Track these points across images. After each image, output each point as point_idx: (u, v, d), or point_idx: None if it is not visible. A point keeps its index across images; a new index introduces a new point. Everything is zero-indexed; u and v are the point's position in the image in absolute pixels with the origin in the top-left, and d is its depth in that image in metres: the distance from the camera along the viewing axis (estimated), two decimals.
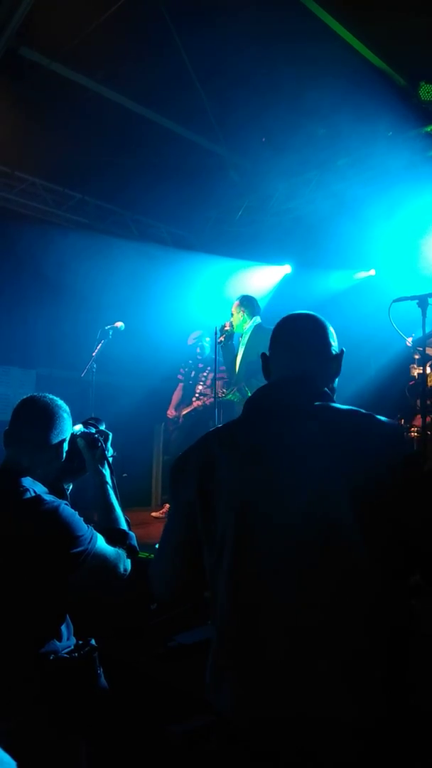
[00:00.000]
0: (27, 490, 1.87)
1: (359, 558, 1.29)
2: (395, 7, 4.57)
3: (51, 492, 1.97)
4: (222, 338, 5.21)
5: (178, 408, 6.11)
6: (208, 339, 6.17)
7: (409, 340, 4.07)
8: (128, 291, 7.04)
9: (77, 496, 2.18)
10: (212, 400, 5.82)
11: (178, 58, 5.10)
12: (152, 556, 3.98)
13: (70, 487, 2.19)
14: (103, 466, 2.15)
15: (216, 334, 5.16)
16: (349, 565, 1.29)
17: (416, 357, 4.52)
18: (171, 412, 6.16)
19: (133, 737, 2.41)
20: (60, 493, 2.04)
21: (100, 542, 1.91)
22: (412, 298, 3.52)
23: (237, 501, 1.39)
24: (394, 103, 5.62)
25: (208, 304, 6.69)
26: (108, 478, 2.14)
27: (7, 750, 0.99)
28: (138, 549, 2.07)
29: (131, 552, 2.03)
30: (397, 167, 6.18)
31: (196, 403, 5.94)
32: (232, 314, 5.33)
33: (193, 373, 6.14)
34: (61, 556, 1.82)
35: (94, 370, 5.57)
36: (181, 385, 6.23)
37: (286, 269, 7.45)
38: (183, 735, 2.36)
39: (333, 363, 1.59)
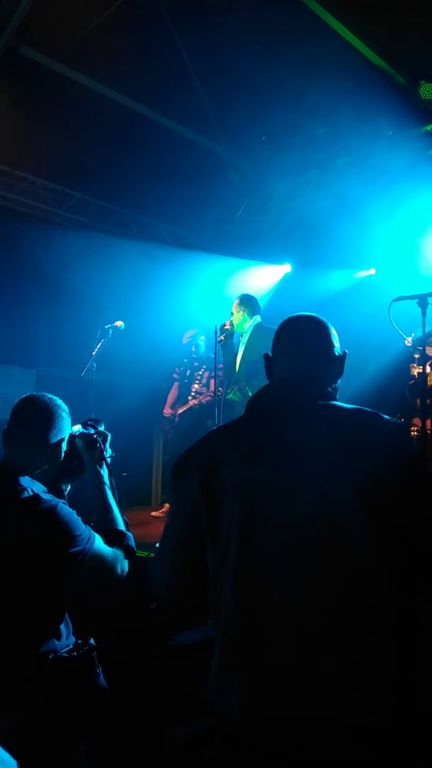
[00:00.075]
0: (25, 489, 1.86)
1: (364, 557, 1.29)
2: (395, 7, 4.56)
3: (49, 492, 1.97)
4: (222, 337, 5.20)
5: (173, 407, 6.10)
6: (203, 338, 6.16)
7: (409, 340, 4.07)
8: (128, 290, 7.04)
9: (75, 497, 2.17)
10: (209, 398, 5.82)
11: (178, 58, 5.10)
12: (151, 555, 3.97)
13: (68, 487, 2.19)
14: (101, 466, 2.15)
15: (216, 333, 5.16)
16: (354, 564, 1.29)
17: (416, 356, 4.52)
18: (167, 411, 6.15)
19: (133, 737, 2.41)
20: (58, 494, 2.04)
21: (98, 542, 1.91)
22: (412, 297, 3.51)
23: (242, 500, 1.39)
24: (395, 102, 5.62)
25: (208, 303, 6.68)
26: (106, 479, 2.14)
27: (7, 749, 0.99)
28: (136, 550, 2.06)
29: (129, 553, 2.02)
30: (398, 166, 6.17)
31: (192, 402, 5.93)
32: (232, 313, 5.32)
33: (189, 371, 6.13)
34: (59, 555, 1.81)
35: (94, 369, 5.57)
36: (176, 384, 6.22)
37: (286, 268, 7.45)
38: (183, 740, 2.35)
39: (336, 364, 1.60)
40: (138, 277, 7.22)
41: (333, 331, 1.63)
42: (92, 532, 1.91)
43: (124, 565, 1.99)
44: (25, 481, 1.90)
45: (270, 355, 1.68)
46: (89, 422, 2.22)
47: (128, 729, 2.35)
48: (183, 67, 5.21)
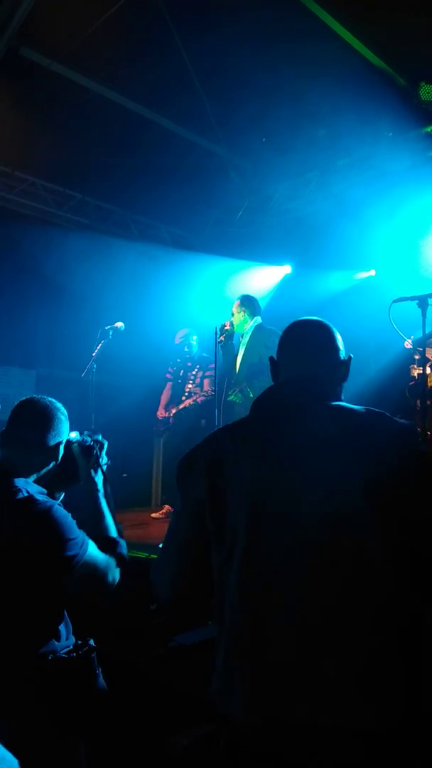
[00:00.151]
0: (20, 490, 1.86)
1: (370, 558, 1.29)
2: (395, 7, 4.57)
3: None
4: (222, 338, 5.20)
5: (167, 408, 6.09)
6: (195, 337, 6.14)
7: (409, 341, 4.07)
8: (128, 291, 7.04)
9: (69, 506, 2.17)
10: (202, 398, 5.81)
11: (179, 58, 5.10)
12: (152, 556, 3.98)
13: (62, 495, 2.18)
14: (96, 473, 2.15)
15: (216, 333, 5.15)
16: (360, 564, 1.29)
17: (416, 357, 4.52)
18: (161, 413, 6.11)
19: (133, 738, 2.41)
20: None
21: (92, 548, 1.90)
22: (412, 298, 3.52)
23: (248, 499, 1.38)
24: (395, 103, 5.62)
25: (208, 304, 6.68)
26: (100, 486, 2.14)
27: (7, 749, 0.99)
28: (128, 559, 2.05)
29: (121, 562, 2.01)
30: (398, 168, 6.17)
31: (187, 402, 5.92)
32: (232, 314, 5.32)
33: (182, 372, 6.09)
34: (53, 558, 1.81)
35: (94, 370, 5.57)
36: (169, 384, 6.19)
37: (286, 269, 7.45)
38: (185, 743, 2.35)
39: (341, 368, 1.61)
40: (138, 277, 7.22)
41: (338, 336, 1.64)
42: (86, 537, 1.90)
43: (115, 575, 1.97)
44: (20, 482, 1.90)
45: (275, 358, 1.67)
46: (86, 431, 2.23)
47: (128, 730, 2.35)
48: (183, 68, 5.21)
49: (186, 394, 5.95)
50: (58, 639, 1.88)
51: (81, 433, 2.20)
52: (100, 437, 2.23)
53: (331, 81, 5.19)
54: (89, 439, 2.18)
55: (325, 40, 4.86)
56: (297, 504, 1.34)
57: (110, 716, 1.99)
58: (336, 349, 1.61)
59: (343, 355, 1.62)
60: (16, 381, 7.12)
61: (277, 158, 6.47)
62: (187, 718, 2.50)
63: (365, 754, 1.23)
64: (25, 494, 1.86)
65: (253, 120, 5.94)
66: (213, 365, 5.83)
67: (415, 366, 4.61)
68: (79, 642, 1.94)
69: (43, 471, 2.03)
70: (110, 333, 5.62)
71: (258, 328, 5.30)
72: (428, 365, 4.17)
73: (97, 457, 2.16)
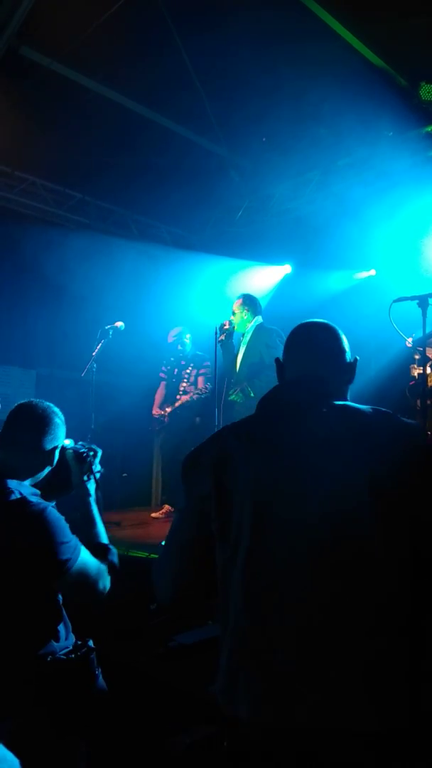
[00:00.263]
0: (12, 491, 1.85)
1: (375, 557, 1.29)
2: (395, 7, 4.57)
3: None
4: (222, 337, 5.20)
5: (162, 407, 6.08)
6: (188, 335, 6.13)
7: (409, 341, 4.07)
8: (128, 291, 7.04)
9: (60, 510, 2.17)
10: (197, 395, 5.80)
11: (179, 58, 5.10)
12: (152, 555, 3.98)
13: (53, 504, 2.18)
14: (89, 480, 2.15)
15: (216, 333, 5.15)
16: (365, 564, 1.29)
17: (416, 357, 4.52)
18: (156, 412, 6.11)
19: (133, 738, 2.41)
20: None
21: (84, 553, 1.89)
22: (413, 298, 3.52)
23: (253, 497, 1.38)
24: (395, 103, 5.62)
25: (208, 303, 6.68)
26: (93, 493, 2.15)
27: (8, 750, 0.99)
28: (118, 566, 2.04)
29: (112, 569, 2.00)
30: (398, 167, 6.17)
31: (182, 398, 5.91)
32: (233, 313, 5.32)
33: (176, 370, 6.08)
34: (45, 561, 1.80)
35: (94, 369, 5.57)
36: (163, 383, 6.18)
37: (286, 269, 7.45)
38: (186, 746, 2.35)
39: (347, 370, 1.61)
40: (138, 277, 7.22)
41: (344, 338, 1.64)
42: (79, 542, 1.89)
43: (106, 582, 1.96)
44: (13, 483, 1.89)
45: (281, 359, 1.68)
46: (81, 442, 2.24)
47: (129, 730, 2.35)
48: (183, 68, 5.21)
49: (181, 392, 5.94)
50: (57, 639, 1.87)
51: (75, 443, 2.20)
52: (94, 446, 2.24)
53: (332, 81, 5.19)
54: (84, 447, 2.19)
55: (325, 40, 4.86)
56: (302, 503, 1.34)
57: (110, 716, 1.98)
58: (342, 351, 1.62)
59: (349, 357, 1.63)
60: (16, 381, 7.12)
61: (277, 158, 6.48)
62: (187, 717, 2.51)
63: (369, 755, 1.23)
64: (18, 496, 1.85)
65: (253, 120, 5.94)
66: (207, 363, 5.84)
67: (416, 366, 4.61)
68: (79, 642, 1.94)
69: (38, 475, 2.02)
70: (110, 332, 5.62)
71: (259, 328, 5.30)
72: (428, 365, 4.17)
73: (91, 465, 2.16)
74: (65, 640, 1.91)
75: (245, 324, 5.30)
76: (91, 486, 2.16)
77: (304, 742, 1.25)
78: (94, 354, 5.55)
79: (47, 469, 2.05)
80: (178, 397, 5.95)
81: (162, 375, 6.21)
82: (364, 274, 7.01)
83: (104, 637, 2.13)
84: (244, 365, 5.24)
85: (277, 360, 1.69)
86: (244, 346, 5.29)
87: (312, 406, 1.48)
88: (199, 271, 7.17)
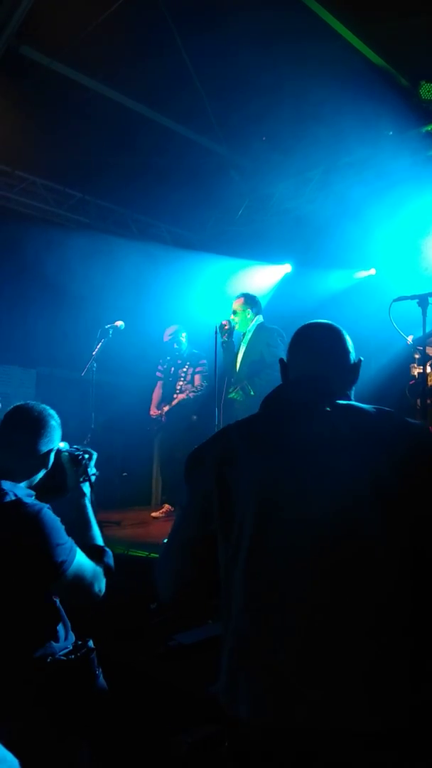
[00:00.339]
0: (6, 493, 1.84)
1: (378, 557, 1.28)
2: (395, 7, 4.57)
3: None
4: (225, 338, 5.21)
5: (159, 406, 6.07)
6: (184, 334, 6.12)
7: (410, 338, 4.06)
8: (129, 290, 7.03)
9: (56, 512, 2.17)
10: (193, 393, 5.80)
11: (179, 58, 5.10)
12: (152, 555, 3.98)
13: (48, 505, 2.18)
14: (84, 483, 2.15)
15: (216, 332, 5.14)
16: (368, 563, 1.28)
17: (416, 356, 4.52)
18: (153, 411, 6.10)
19: (135, 738, 2.41)
20: None
21: (80, 556, 1.88)
22: (413, 297, 3.52)
23: (256, 496, 1.38)
24: (395, 102, 5.62)
25: (208, 303, 6.68)
26: (88, 496, 2.14)
27: (9, 751, 0.99)
28: (113, 569, 2.03)
29: (107, 571, 1.99)
30: (398, 167, 6.17)
31: (179, 397, 5.91)
32: (235, 312, 5.31)
33: (173, 369, 6.07)
34: (41, 563, 1.79)
35: (94, 369, 5.57)
36: (160, 382, 6.17)
37: (286, 268, 7.45)
38: (189, 744, 2.35)
39: (351, 370, 1.61)
40: (138, 276, 7.22)
41: (348, 339, 1.64)
42: (74, 544, 1.88)
43: (101, 585, 1.95)
44: (7, 485, 1.88)
45: (285, 359, 1.68)
46: (75, 445, 2.23)
47: (130, 730, 2.35)
48: (183, 67, 5.21)
49: (177, 391, 5.94)
50: (57, 640, 1.87)
51: (71, 445, 2.20)
52: (89, 448, 2.23)
53: (332, 80, 5.19)
54: (79, 449, 2.19)
55: (326, 39, 4.87)
56: (305, 502, 1.34)
57: (111, 716, 1.98)
58: (346, 351, 1.62)
59: (353, 357, 1.63)
60: (16, 380, 7.12)
61: (277, 157, 6.48)
62: (188, 716, 2.51)
63: (369, 755, 1.23)
64: (13, 497, 1.84)
65: (254, 119, 5.95)
66: (204, 361, 5.84)
67: (416, 365, 4.61)
68: (79, 642, 1.93)
69: (33, 477, 2.01)
70: (110, 332, 5.62)
71: (260, 327, 5.31)
72: (429, 364, 4.17)
73: (86, 467, 2.16)
74: (64, 640, 1.90)
75: (247, 323, 5.30)
76: (87, 488, 2.15)
77: (304, 742, 1.25)
78: (94, 353, 5.55)
79: (42, 472, 2.04)
80: (174, 396, 5.94)
81: (159, 374, 6.20)
82: (364, 274, 7.01)
83: (104, 637, 2.13)
84: (245, 364, 5.24)
85: (281, 360, 1.69)
86: (245, 345, 5.29)
87: (316, 406, 1.47)
88: (199, 271, 7.17)
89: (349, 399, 1.54)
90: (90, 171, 6.69)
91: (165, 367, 6.15)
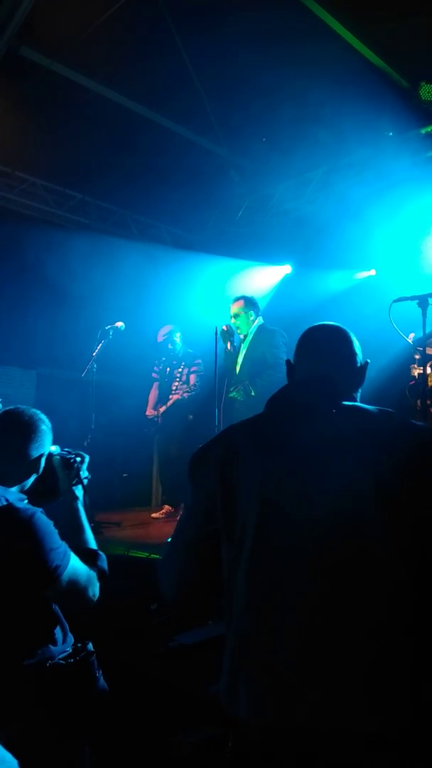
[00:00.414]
0: None
1: (380, 557, 1.28)
2: (395, 7, 4.57)
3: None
4: (229, 345, 5.24)
5: (156, 407, 6.06)
6: (178, 334, 6.12)
7: (411, 336, 4.06)
8: (129, 291, 7.03)
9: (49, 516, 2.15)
10: (187, 394, 5.79)
11: (179, 58, 5.11)
12: (152, 555, 3.98)
13: (41, 510, 2.17)
14: (76, 486, 2.13)
15: (216, 334, 5.14)
16: (369, 563, 1.29)
17: (416, 357, 4.52)
18: (149, 412, 6.10)
19: (136, 739, 2.41)
20: None
21: (74, 560, 1.87)
22: (413, 298, 3.52)
23: (259, 496, 1.38)
24: (395, 103, 5.62)
25: (208, 303, 6.69)
26: (81, 499, 2.13)
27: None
28: (107, 573, 2.02)
29: (101, 576, 1.98)
30: (398, 167, 6.17)
31: (173, 398, 5.90)
32: (236, 315, 5.32)
33: (168, 369, 6.07)
34: (34, 568, 1.77)
35: (94, 370, 5.57)
36: (156, 383, 6.17)
37: (286, 269, 7.45)
38: (192, 744, 2.35)
39: (357, 372, 1.62)
40: (138, 277, 7.22)
41: (355, 341, 1.65)
42: (68, 548, 1.87)
43: (95, 589, 1.93)
44: None
45: (291, 361, 1.68)
46: (67, 448, 2.22)
47: (131, 731, 2.35)
48: (183, 68, 5.21)
49: (173, 391, 5.94)
50: (54, 643, 1.86)
51: (62, 449, 2.19)
52: (81, 452, 2.22)
53: (332, 81, 5.19)
54: (71, 453, 2.17)
55: (325, 40, 4.86)
56: (307, 503, 1.34)
57: (113, 717, 1.98)
58: (352, 353, 1.62)
59: (360, 360, 1.63)
60: (16, 381, 7.12)
61: (277, 158, 6.47)
62: (188, 717, 2.51)
63: (369, 755, 1.23)
64: (4, 502, 1.82)
65: (254, 120, 5.95)
66: (199, 360, 5.84)
67: (416, 365, 4.61)
68: (79, 645, 1.92)
69: (25, 482, 2.00)
70: (110, 333, 5.62)
71: (261, 328, 5.32)
72: (429, 364, 4.17)
73: (78, 470, 2.14)
74: (62, 643, 1.89)
75: (249, 325, 5.32)
76: (79, 492, 2.14)
77: (304, 742, 1.25)
78: (94, 354, 5.55)
79: (33, 477, 2.03)
80: (170, 396, 5.94)
81: (154, 375, 6.20)
82: (364, 274, 7.01)
83: (105, 638, 2.13)
84: (246, 365, 5.25)
85: (287, 361, 1.69)
86: (246, 347, 5.30)
87: (320, 407, 1.48)
88: (199, 271, 7.18)
89: (355, 401, 1.54)
90: (90, 172, 6.68)
91: (161, 367, 6.15)
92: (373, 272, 6.95)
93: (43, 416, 2.06)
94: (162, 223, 8.16)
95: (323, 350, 1.63)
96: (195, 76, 5.32)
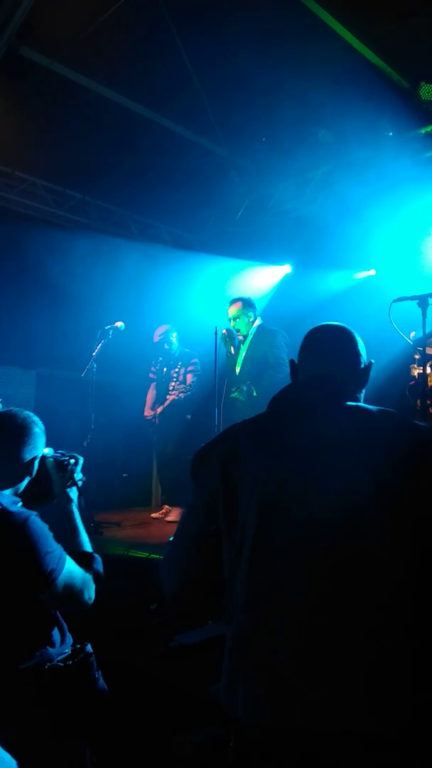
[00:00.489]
0: None
1: (381, 557, 1.28)
2: (395, 7, 4.57)
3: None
4: (232, 349, 5.23)
5: (153, 408, 6.05)
6: (174, 334, 6.11)
7: (413, 334, 4.05)
8: (129, 291, 7.03)
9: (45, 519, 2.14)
10: (183, 394, 5.78)
11: (179, 58, 5.10)
12: (152, 555, 3.98)
13: (35, 513, 2.16)
14: (71, 488, 2.11)
15: (216, 334, 5.14)
16: (371, 563, 1.28)
17: (416, 357, 4.52)
18: (147, 413, 6.09)
19: (136, 739, 2.41)
20: None
21: (69, 563, 1.85)
22: (413, 298, 3.52)
23: (261, 492, 1.38)
24: (395, 103, 5.62)
25: (208, 303, 6.69)
26: (75, 501, 2.11)
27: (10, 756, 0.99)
28: (103, 576, 2.00)
29: (97, 578, 1.97)
30: (398, 167, 6.17)
31: (170, 398, 5.90)
32: (235, 317, 5.32)
33: (165, 369, 6.06)
34: (29, 572, 1.76)
35: (94, 370, 5.57)
36: (153, 384, 6.16)
37: (286, 269, 7.45)
38: (194, 744, 2.35)
39: (362, 373, 1.62)
40: (138, 277, 7.22)
41: (360, 341, 1.65)
42: (63, 551, 1.85)
43: (91, 593, 1.92)
44: None
45: (295, 361, 1.68)
46: (60, 450, 2.20)
47: (131, 731, 2.35)
48: (183, 68, 5.21)
49: (170, 391, 5.93)
50: (52, 645, 1.85)
51: (56, 451, 2.17)
52: (75, 453, 2.20)
53: (332, 81, 5.18)
54: (65, 455, 2.16)
55: (325, 40, 4.86)
56: (308, 502, 1.34)
57: (113, 718, 1.98)
58: (357, 354, 1.62)
59: (364, 360, 1.63)
60: (16, 381, 7.11)
61: (277, 158, 6.48)
62: (188, 717, 2.51)
63: (368, 755, 1.22)
64: None
65: (253, 120, 5.95)
66: (195, 360, 5.84)
67: (416, 365, 4.60)
68: (78, 646, 1.92)
69: (18, 485, 1.99)
70: (110, 333, 5.62)
71: (260, 329, 5.33)
72: (429, 364, 4.16)
73: (72, 473, 2.12)
74: (61, 645, 1.88)
75: (249, 326, 5.32)
76: (74, 494, 2.12)
77: (303, 742, 1.25)
78: (94, 354, 5.55)
79: (27, 480, 2.01)
80: (167, 396, 5.93)
81: (151, 375, 6.18)
82: (363, 274, 7.01)
83: (104, 638, 2.12)
84: (247, 365, 5.25)
85: (291, 362, 1.69)
86: (246, 347, 5.30)
87: (323, 406, 1.48)
88: (199, 271, 7.17)
89: (358, 401, 1.54)
90: (90, 172, 6.68)
91: (157, 368, 6.14)
92: (373, 272, 6.95)
93: (36, 418, 2.04)
94: (162, 223, 8.16)
95: (328, 350, 1.63)
96: (195, 76, 5.32)
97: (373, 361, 1.66)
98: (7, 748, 1.03)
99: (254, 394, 5.05)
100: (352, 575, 1.28)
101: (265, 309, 6.64)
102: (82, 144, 6.06)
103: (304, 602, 1.29)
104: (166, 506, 5.95)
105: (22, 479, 2.00)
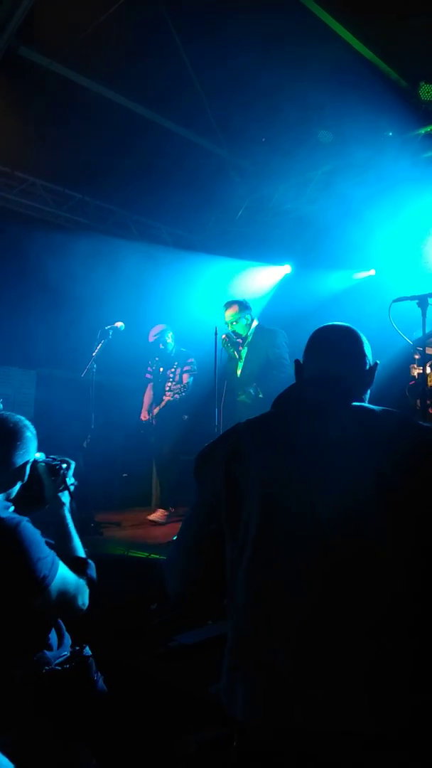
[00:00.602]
0: None
1: (383, 557, 1.28)
2: (395, 8, 4.57)
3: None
4: (236, 353, 5.22)
5: (150, 409, 6.01)
6: (170, 334, 6.09)
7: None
8: (129, 291, 7.03)
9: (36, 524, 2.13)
10: (178, 395, 5.76)
11: (179, 59, 5.11)
12: (152, 555, 3.97)
13: (27, 518, 2.15)
14: (63, 493, 2.10)
15: (216, 335, 5.13)
16: (372, 563, 1.28)
17: (416, 357, 4.52)
18: (144, 416, 6.05)
19: (137, 740, 2.41)
20: None
21: (62, 569, 1.83)
22: (412, 298, 3.52)
23: (263, 493, 1.38)
24: (395, 103, 5.62)
25: (208, 303, 6.68)
26: (67, 506, 2.09)
27: (10, 760, 0.99)
28: (96, 581, 1.98)
29: (90, 584, 1.95)
30: (398, 168, 6.17)
31: (165, 398, 5.88)
32: (232, 321, 5.31)
33: (161, 369, 6.04)
34: (21, 579, 1.74)
35: (94, 370, 5.57)
36: (150, 384, 6.13)
37: (286, 269, 7.45)
38: (197, 744, 2.34)
39: (368, 373, 1.62)
40: (138, 277, 7.22)
41: (365, 342, 1.65)
42: (56, 557, 1.84)
43: (85, 599, 1.90)
44: None
45: (300, 361, 1.68)
46: (52, 455, 2.19)
47: (131, 732, 2.35)
48: (183, 69, 5.22)
49: (166, 391, 5.90)
50: (50, 648, 1.84)
51: (47, 456, 2.15)
52: (67, 458, 2.18)
53: (332, 81, 5.19)
54: (56, 460, 2.14)
55: (325, 41, 4.87)
56: (311, 502, 1.34)
57: (113, 719, 1.97)
58: (362, 354, 1.62)
59: (369, 361, 1.64)
60: (16, 381, 7.11)
61: (277, 158, 6.48)
62: (189, 717, 2.50)
63: (368, 755, 1.22)
64: None
65: (254, 120, 5.95)
66: (191, 359, 5.82)
67: (416, 365, 4.60)
68: (77, 648, 1.91)
69: (10, 490, 1.97)
70: (110, 333, 5.62)
71: (259, 329, 5.32)
72: (429, 364, 4.16)
73: (64, 477, 2.10)
74: (59, 648, 1.87)
75: (247, 328, 5.32)
76: (66, 498, 2.10)
77: (303, 742, 1.25)
78: (94, 354, 5.55)
79: (18, 485, 1.99)
80: (163, 397, 5.92)
81: (148, 376, 6.16)
82: (363, 274, 7.01)
83: (104, 638, 2.12)
84: (249, 367, 5.24)
85: (296, 361, 1.69)
86: (247, 349, 5.29)
87: (327, 406, 1.48)
88: (200, 272, 7.18)
89: (363, 402, 1.54)
90: (90, 172, 6.68)
91: (154, 368, 6.11)
92: (372, 272, 6.95)
93: (27, 423, 2.02)
94: (162, 224, 8.16)
95: (334, 350, 1.63)
96: (195, 78, 5.33)
97: (378, 361, 1.65)
98: (7, 752, 1.03)
99: (260, 395, 5.04)
100: (352, 575, 1.28)
101: (266, 309, 6.64)
102: (82, 144, 6.06)
103: (304, 602, 1.29)
104: (161, 510, 5.89)
105: (14, 484, 1.97)
